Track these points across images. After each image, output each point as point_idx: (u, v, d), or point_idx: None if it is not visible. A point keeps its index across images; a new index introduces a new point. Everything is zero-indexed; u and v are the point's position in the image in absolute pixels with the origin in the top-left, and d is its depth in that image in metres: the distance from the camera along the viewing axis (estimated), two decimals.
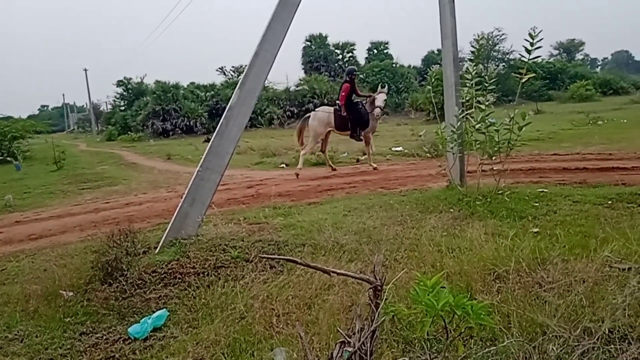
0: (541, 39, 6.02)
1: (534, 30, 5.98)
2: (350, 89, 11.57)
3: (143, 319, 3.71)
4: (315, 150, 12.59)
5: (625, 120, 19.23)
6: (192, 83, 39.09)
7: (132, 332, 3.58)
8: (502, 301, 3.16)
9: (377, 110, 11.63)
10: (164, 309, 3.87)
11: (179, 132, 32.55)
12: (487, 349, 2.52)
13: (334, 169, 12.04)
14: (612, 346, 2.47)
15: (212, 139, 5.55)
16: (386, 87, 12.41)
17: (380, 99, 11.67)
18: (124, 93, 45.45)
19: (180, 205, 5.42)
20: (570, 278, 3.31)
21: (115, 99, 46.78)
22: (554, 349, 2.46)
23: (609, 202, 6.16)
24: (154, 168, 15.27)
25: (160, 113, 32.84)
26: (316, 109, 12.66)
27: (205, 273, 4.45)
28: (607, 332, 2.53)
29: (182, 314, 3.80)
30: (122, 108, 44.08)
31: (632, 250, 3.71)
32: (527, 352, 2.48)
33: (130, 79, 45.26)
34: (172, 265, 4.62)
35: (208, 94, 36.52)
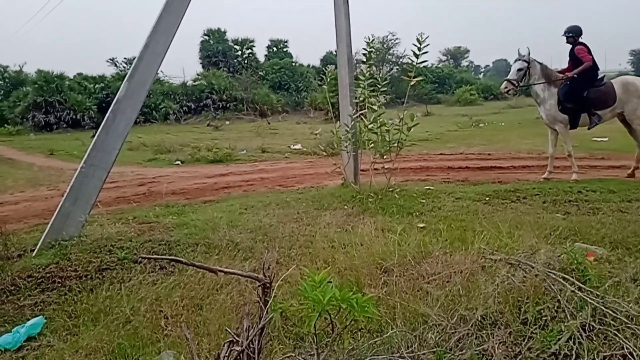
0: (428, 45, 6.39)
1: (421, 35, 6.33)
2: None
3: (15, 328, 3.40)
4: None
5: (503, 124, 21.09)
6: (79, 74, 36.26)
7: (2, 343, 3.27)
8: (388, 294, 3.31)
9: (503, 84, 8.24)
10: (40, 316, 3.57)
11: (64, 125, 30.07)
12: (372, 340, 2.62)
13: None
14: (484, 331, 2.68)
15: (97, 134, 5.23)
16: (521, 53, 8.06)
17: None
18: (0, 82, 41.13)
19: (61, 204, 5.06)
20: (450, 270, 3.54)
21: None
22: (433, 336, 2.62)
23: (487, 198, 6.69)
24: (33, 164, 14.00)
25: (43, 105, 30.08)
26: None
27: (88, 276, 4.18)
28: (479, 319, 2.74)
29: (61, 321, 3.53)
30: None
31: (503, 243, 4.06)
32: (409, 341, 2.62)
33: (7, 67, 41.04)
34: (50, 268, 4.30)
35: (97, 86, 34.12)
